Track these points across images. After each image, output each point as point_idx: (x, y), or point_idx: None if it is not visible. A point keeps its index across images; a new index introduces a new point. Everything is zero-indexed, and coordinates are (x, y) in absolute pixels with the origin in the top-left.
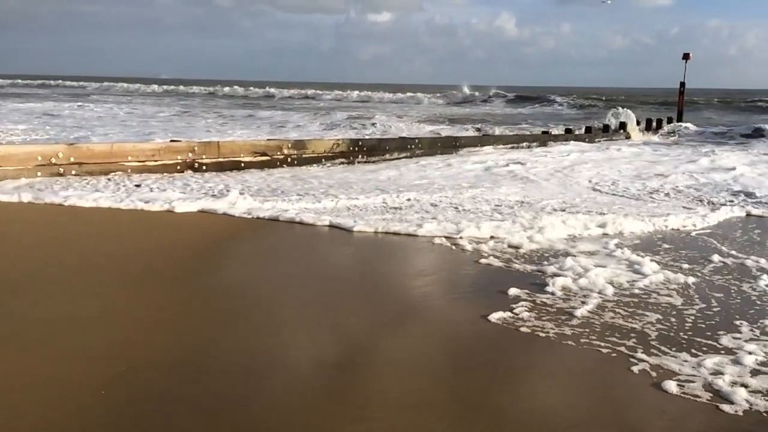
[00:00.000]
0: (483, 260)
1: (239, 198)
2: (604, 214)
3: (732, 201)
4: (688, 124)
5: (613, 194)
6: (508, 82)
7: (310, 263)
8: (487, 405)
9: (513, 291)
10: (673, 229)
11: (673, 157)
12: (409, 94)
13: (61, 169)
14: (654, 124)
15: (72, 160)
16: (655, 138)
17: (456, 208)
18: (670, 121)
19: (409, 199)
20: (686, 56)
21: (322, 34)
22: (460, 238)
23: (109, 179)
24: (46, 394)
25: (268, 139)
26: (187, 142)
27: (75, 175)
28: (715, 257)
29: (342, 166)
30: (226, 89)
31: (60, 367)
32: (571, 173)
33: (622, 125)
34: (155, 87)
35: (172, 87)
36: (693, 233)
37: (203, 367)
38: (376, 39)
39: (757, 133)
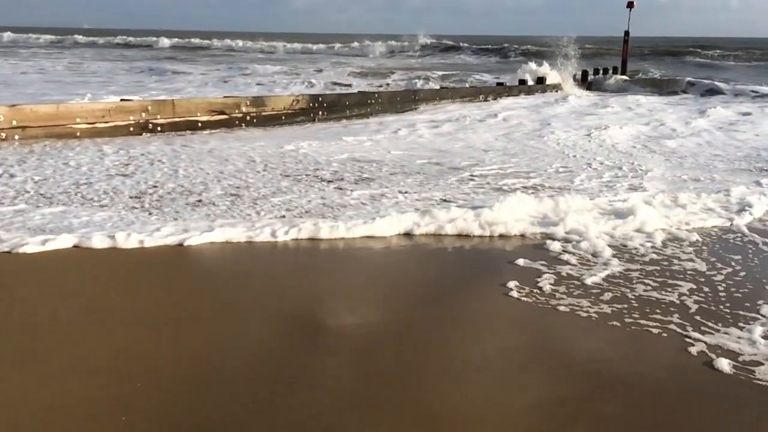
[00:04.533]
0: None
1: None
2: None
3: None
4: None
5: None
6: (446, 32)
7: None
8: (560, 404)
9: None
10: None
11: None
12: (343, 44)
13: (3, 134)
14: (601, 74)
15: (14, 123)
16: (587, 93)
17: None
18: (615, 71)
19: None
20: (630, 5)
21: None
22: None
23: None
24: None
25: (225, 96)
26: (140, 101)
27: (19, 140)
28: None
29: (305, 125)
30: (153, 39)
31: (61, 383)
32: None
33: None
34: (78, 38)
35: (93, 39)
36: None
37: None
38: None
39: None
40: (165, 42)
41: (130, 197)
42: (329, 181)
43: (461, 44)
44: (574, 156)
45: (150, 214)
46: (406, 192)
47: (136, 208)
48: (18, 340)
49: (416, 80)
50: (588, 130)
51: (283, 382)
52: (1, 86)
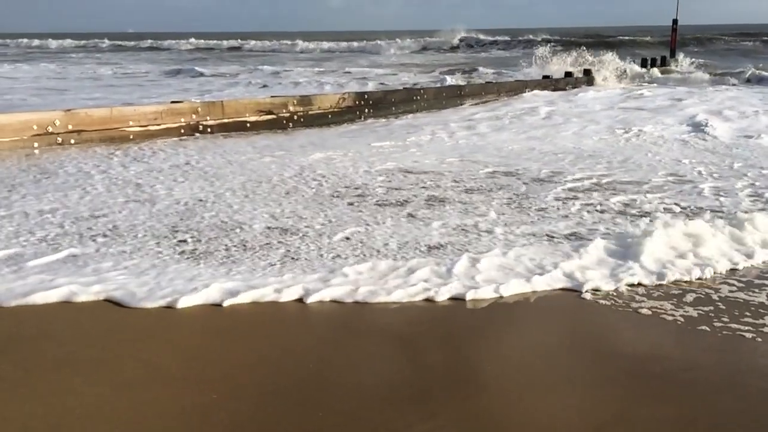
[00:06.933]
0: None
1: None
2: None
3: None
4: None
5: None
6: (484, 25)
7: None
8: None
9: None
10: None
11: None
12: (379, 42)
13: (59, 139)
14: (649, 64)
15: (70, 127)
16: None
17: None
18: (663, 61)
19: None
20: None
21: None
22: None
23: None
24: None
25: (272, 96)
26: (190, 103)
27: (74, 144)
28: None
29: (352, 124)
30: (194, 41)
31: (134, 391)
32: None
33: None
34: (121, 43)
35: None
36: None
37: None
38: None
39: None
40: (206, 43)
41: (164, 237)
42: (392, 204)
43: (500, 37)
44: (676, 160)
45: (188, 258)
46: (509, 224)
47: (177, 256)
48: (88, 348)
49: (459, 75)
50: (670, 127)
51: (363, 394)
52: (55, 92)
